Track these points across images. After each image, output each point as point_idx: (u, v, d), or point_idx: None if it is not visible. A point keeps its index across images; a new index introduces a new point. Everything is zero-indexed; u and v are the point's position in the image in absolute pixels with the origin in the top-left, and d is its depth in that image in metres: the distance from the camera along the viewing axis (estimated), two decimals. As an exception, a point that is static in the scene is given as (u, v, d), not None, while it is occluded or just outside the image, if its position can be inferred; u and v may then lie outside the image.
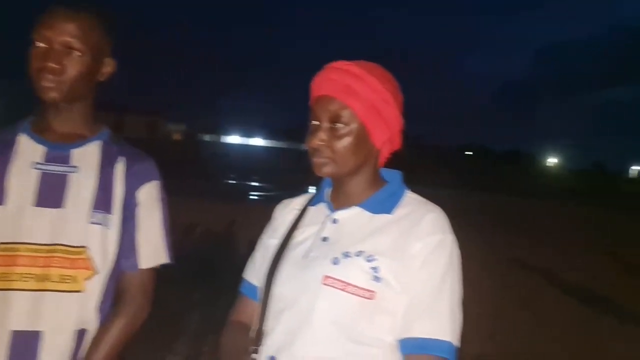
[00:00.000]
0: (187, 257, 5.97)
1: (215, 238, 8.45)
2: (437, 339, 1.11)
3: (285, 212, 1.38)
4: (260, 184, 20.40)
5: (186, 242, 7.36)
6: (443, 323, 1.12)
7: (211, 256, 7.02)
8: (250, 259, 1.40)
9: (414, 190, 1.29)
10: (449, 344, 1.11)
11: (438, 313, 1.12)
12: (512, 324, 5.45)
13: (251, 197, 16.95)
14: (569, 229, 14.31)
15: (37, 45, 1.29)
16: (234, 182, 21.20)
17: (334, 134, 1.19)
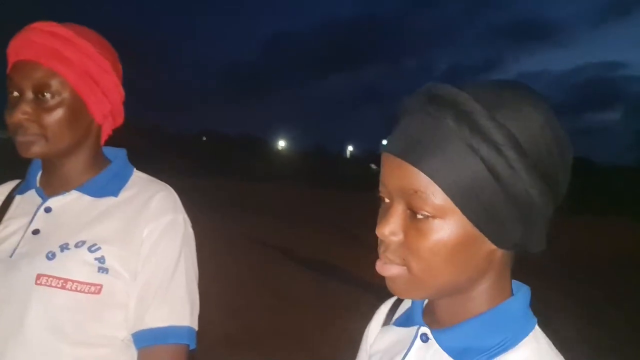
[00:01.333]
0: None
1: None
2: (173, 326, 1.03)
3: None
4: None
5: None
6: (178, 308, 1.05)
7: None
8: None
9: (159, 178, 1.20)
10: (187, 328, 1.06)
11: (173, 298, 1.05)
12: (254, 299, 5.75)
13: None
14: (300, 207, 15.65)
15: None
16: None
17: (41, 107, 1.02)
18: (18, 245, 1.05)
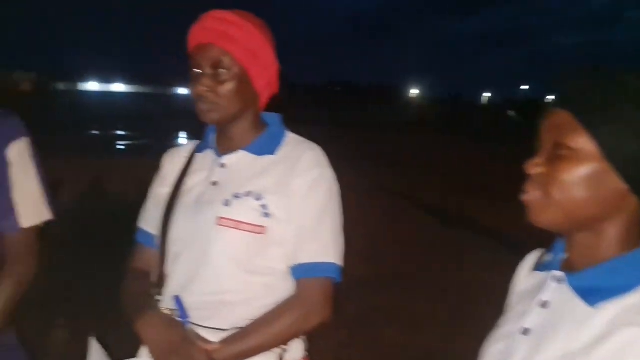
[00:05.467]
0: (60, 217, 5.63)
1: (86, 194, 8.00)
2: (323, 262, 1.25)
3: (173, 160, 1.43)
4: (127, 133, 19.41)
5: (56, 202, 6.84)
6: (327, 247, 1.26)
7: (86, 214, 6.66)
8: (143, 209, 1.43)
9: (291, 129, 1.38)
10: (334, 265, 1.26)
11: (322, 239, 1.26)
12: (382, 246, 5.93)
13: (119, 147, 16.11)
14: (430, 157, 15.42)
15: None
16: (98, 133, 19.90)
17: (217, 80, 1.24)
18: (202, 193, 1.31)
